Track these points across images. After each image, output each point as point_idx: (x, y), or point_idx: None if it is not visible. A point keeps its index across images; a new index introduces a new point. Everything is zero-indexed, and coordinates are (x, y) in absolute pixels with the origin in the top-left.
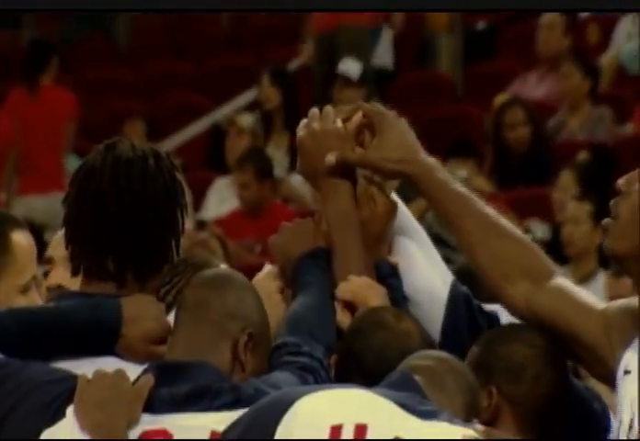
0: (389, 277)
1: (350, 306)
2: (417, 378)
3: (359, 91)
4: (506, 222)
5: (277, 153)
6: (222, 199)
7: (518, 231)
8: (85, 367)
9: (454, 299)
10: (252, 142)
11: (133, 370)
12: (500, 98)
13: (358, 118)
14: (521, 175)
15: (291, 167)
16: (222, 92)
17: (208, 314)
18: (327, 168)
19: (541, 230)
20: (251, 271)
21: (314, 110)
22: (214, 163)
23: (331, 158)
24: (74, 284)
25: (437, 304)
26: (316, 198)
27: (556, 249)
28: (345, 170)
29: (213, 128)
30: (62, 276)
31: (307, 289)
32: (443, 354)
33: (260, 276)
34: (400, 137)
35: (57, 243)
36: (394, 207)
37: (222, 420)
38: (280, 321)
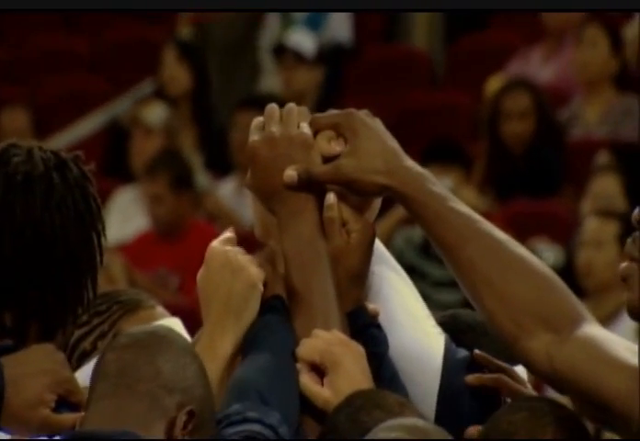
0: (369, 327)
1: (318, 370)
2: None
3: (313, 72)
4: (523, 253)
5: (186, 154)
6: (125, 217)
7: (538, 265)
8: None
9: (452, 367)
10: (165, 143)
11: None
12: (495, 81)
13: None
14: (524, 183)
15: (211, 173)
16: (125, 75)
17: (137, 385)
18: (287, 186)
19: (551, 254)
20: (167, 311)
21: (273, 108)
22: (115, 169)
23: (292, 173)
24: None
25: (429, 374)
26: (267, 225)
27: (572, 279)
28: (310, 189)
29: (113, 123)
30: None
31: (258, 348)
32: (419, 423)
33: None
34: (378, 141)
35: None
36: (372, 235)
37: None
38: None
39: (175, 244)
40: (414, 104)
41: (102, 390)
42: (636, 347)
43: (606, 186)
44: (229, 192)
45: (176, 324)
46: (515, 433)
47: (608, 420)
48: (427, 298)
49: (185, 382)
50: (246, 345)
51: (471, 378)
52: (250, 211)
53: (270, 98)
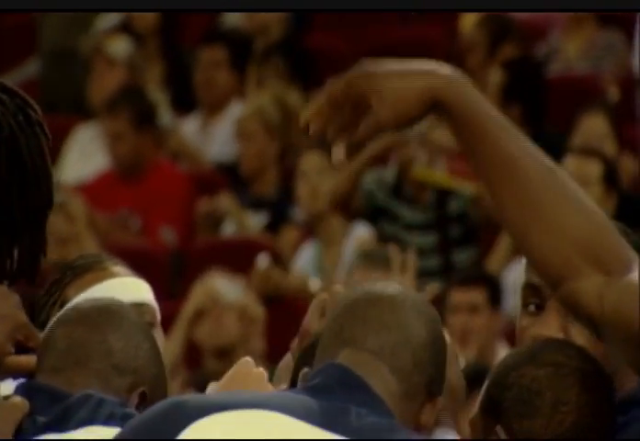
0: None
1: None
2: (347, 365)
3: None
4: (577, 186)
5: (151, 91)
6: (85, 156)
7: (587, 199)
8: None
9: None
10: (128, 78)
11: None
12: (469, 15)
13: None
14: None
15: (175, 110)
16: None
17: (87, 362)
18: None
19: None
20: (127, 255)
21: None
22: (74, 105)
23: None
24: None
25: None
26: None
27: None
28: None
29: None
30: None
31: None
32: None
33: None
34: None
35: None
36: None
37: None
38: None
39: (136, 184)
40: (385, 39)
41: (51, 363)
42: None
43: (594, 126)
44: (193, 129)
45: (139, 283)
46: (540, 392)
47: None
48: (399, 240)
49: (137, 362)
50: None
51: None
52: (214, 149)
53: (234, 33)
